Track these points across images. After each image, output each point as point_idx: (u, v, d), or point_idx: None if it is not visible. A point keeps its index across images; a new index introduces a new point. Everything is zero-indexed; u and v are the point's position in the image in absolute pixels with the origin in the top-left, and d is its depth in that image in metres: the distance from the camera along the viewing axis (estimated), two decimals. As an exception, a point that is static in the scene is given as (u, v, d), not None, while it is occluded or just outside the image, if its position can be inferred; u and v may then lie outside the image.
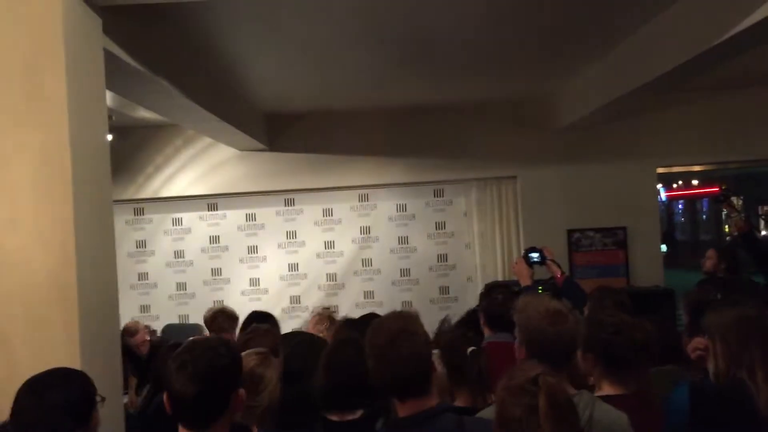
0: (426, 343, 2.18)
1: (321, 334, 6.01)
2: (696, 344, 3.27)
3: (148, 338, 5.90)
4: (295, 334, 3.71)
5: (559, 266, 4.45)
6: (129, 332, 5.77)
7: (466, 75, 6.00)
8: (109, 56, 3.29)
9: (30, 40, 2.81)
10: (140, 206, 7.62)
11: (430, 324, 7.51)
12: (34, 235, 2.76)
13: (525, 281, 4.22)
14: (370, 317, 3.68)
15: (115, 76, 3.54)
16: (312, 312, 6.34)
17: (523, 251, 4.94)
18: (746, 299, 3.15)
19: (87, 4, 3.02)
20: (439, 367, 2.97)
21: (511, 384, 1.77)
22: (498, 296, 3.63)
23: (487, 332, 3.61)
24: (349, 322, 4.20)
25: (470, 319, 4.20)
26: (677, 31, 4.41)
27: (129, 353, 5.66)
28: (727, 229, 24.79)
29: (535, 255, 4.43)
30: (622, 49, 5.25)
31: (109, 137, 3.33)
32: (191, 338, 2.97)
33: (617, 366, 2.48)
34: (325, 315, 5.94)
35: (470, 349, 2.94)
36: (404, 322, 2.17)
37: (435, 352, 3.23)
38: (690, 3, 4.19)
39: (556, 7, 4.32)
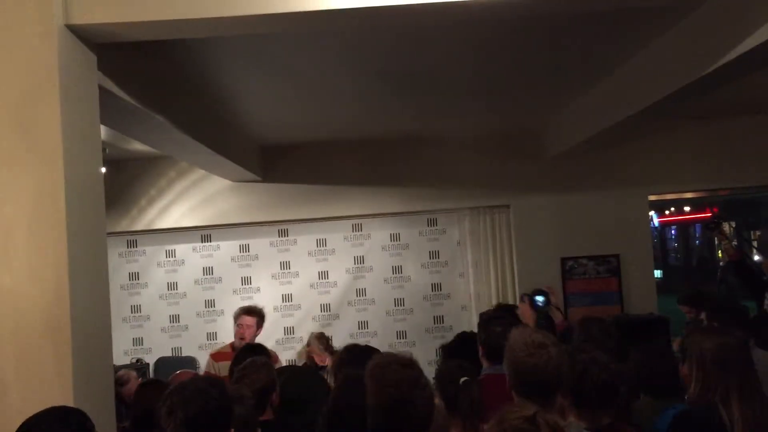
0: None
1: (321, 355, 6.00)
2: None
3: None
4: (291, 369, 3.68)
5: (561, 312, 4.47)
6: (119, 382, 5.63)
7: (458, 106, 6.05)
8: (103, 92, 3.31)
9: (25, 77, 2.83)
10: (133, 238, 7.60)
11: (425, 352, 7.43)
12: (28, 271, 2.76)
13: (529, 324, 4.24)
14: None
15: (109, 111, 3.57)
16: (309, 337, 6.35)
17: (529, 293, 4.94)
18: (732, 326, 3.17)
19: (82, 41, 3.05)
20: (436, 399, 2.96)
21: (505, 426, 1.74)
22: (497, 328, 3.61)
23: (485, 364, 3.59)
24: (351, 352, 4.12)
25: (461, 344, 4.15)
26: (665, 61, 4.47)
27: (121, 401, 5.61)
28: (720, 255, 24.87)
29: (540, 299, 4.45)
30: (612, 79, 5.31)
31: (103, 170, 3.33)
32: (179, 376, 2.93)
33: (581, 402, 2.49)
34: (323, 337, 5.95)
35: (462, 379, 2.93)
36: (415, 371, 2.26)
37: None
38: (678, 35, 4.26)
39: (546, 40, 4.38)
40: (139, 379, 5.63)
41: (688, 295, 5.90)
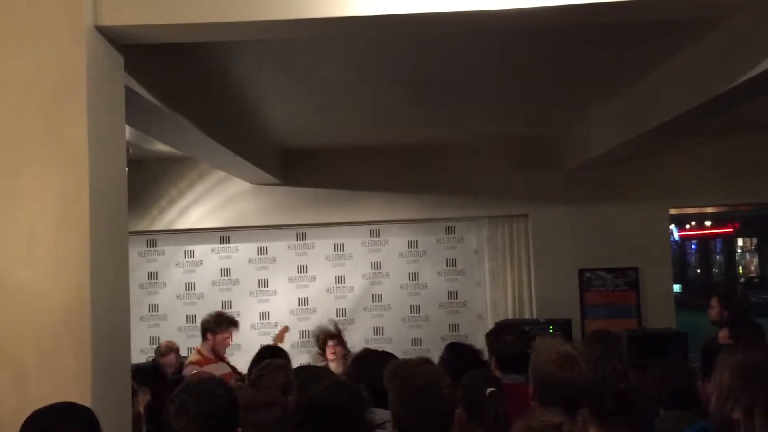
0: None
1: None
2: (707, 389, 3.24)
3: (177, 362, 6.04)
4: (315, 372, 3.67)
5: None
6: (160, 351, 5.96)
7: (478, 114, 6.05)
8: (128, 92, 3.35)
9: (53, 77, 2.88)
10: (153, 238, 7.67)
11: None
12: (51, 268, 2.80)
13: None
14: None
15: (134, 111, 3.61)
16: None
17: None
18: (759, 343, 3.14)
19: (110, 42, 3.09)
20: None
21: (531, 430, 1.74)
22: (508, 337, 3.61)
23: (498, 374, 3.58)
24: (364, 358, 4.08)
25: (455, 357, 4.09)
26: (687, 76, 4.45)
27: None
28: (741, 270, 24.61)
29: None
30: (634, 92, 5.29)
31: (125, 170, 3.37)
32: (191, 375, 2.94)
33: (599, 413, 2.47)
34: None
35: (489, 390, 2.90)
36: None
37: None
38: (700, 50, 4.24)
39: (569, 50, 4.37)
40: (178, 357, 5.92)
41: (726, 293, 5.87)
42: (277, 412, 2.43)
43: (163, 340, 7.14)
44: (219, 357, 5.32)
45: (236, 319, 5.73)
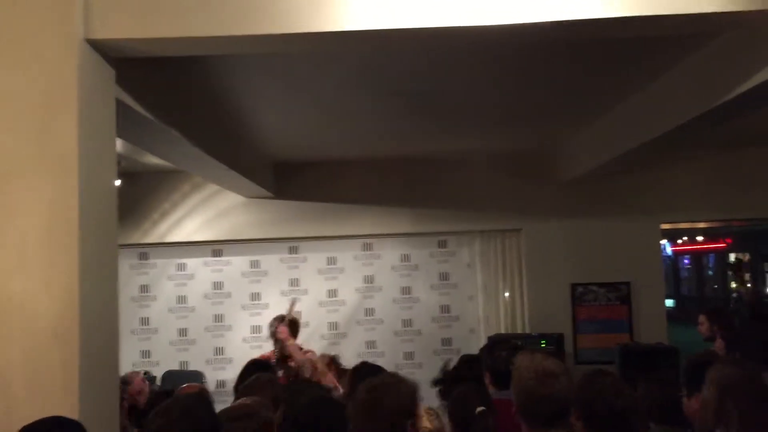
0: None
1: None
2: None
3: (147, 387, 5.77)
4: (303, 386, 3.66)
5: None
6: (124, 381, 5.61)
7: (471, 128, 6.07)
8: (120, 105, 3.34)
9: (44, 90, 2.87)
10: (145, 251, 7.64)
11: (432, 374, 7.39)
12: (40, 280, 2.78)
13: None
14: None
15: (125, 124, 3.60)
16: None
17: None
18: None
19: (101, 55, 3.09)
20: (435, 422, 2.95)
21: None
22: (502, 353, 3.59)
23: (491, 389, 3.56)
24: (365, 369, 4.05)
25: (469, 367, 4.11)
26: (681, 90, 4.49)
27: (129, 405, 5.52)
28: (733, 285, 24.68)
29: None
30: (627, 106, 5.32)
31: (117, 182, 3.36)
32: (185, 390, 2.91)
33: (597, 428, 2.46)
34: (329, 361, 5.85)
35: (479, 409, 2.88)
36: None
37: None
38: (693, 64, 4.27)
39: (562, 64, 4.40)
40: (146, 381, 5.65)
41: (713, 309, 5.82)
42: (253, 425, 2.43)
43: (150, 358, 7.04)
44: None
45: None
